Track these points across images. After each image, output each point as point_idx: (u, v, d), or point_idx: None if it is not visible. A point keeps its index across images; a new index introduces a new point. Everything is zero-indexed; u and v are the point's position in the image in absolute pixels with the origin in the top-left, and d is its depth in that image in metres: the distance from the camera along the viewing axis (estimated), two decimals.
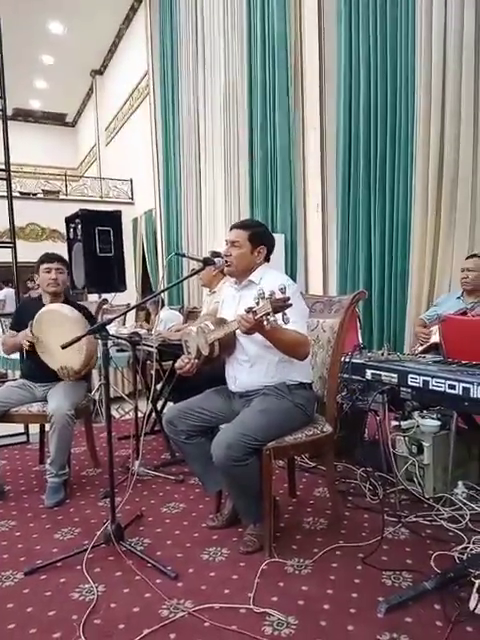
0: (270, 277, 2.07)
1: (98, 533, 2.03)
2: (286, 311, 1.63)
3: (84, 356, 2.49)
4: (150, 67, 8.87)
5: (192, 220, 7.58)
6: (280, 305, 1.62)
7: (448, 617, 1.52)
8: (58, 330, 2.47)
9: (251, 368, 2.05)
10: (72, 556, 1.93)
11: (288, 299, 1.63)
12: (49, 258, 2.75)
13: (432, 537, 2.03)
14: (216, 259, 2.20)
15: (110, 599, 1.70)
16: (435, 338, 2.85)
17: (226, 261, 2.10)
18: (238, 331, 1.88)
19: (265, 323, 1.64)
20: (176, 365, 2.15)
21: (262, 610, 1.60)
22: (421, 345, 3.01)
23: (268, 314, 1.62)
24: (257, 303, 1.67)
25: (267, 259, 2.15)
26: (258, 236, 2.11)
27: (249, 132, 5.79)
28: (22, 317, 2.73)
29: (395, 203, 4.07)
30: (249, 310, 1.71)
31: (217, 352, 2.00)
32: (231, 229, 2.15)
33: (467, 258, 3.05)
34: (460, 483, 2.30)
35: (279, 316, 1.63)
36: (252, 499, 1.96)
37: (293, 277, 4.92)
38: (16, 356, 3.54)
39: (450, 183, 3.53)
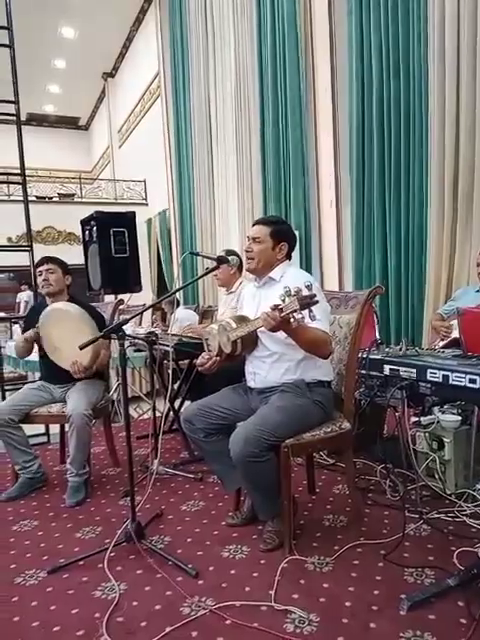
0: (291, 274, 2.06)
1: (119, 532, 2.05)
2: (312, 308, 1.62)
3: (91, 352, 2.53)
4: (161, 68, 8.90)
5: (206, 219, 7.58)
6: (307, 302, 1.60)
7: (472, 614, 1.50)
8: (62, 327, 2.56)
9: (272, 365, 2.04)
10: (94, 555, 1.95)
11: (314, 296, 1.62)
12: (40, 261, 2.83)
13: (454, 533, 2.00)
14: (230, 257, 2.20)
15: (132, 597, 1.71)
16: (456, 333, 2.81)
17: (247, 258, 2.09)
18: (260, 328, 1.88)
19: (291, 320, 1.63)
20: (197, 362, 2.15)
21: (283, 607, 1.59)
22: (442, 340, 2.96)
23: (295, 311, 1.61)
24: (283, 300, 1.66)
25: (288, 256, 2.14)
26: (280, 233, 2.10)
27: (261, 129, 5.78)
28: (31, 320, 2.79)
29: (411, 197, 4.02)
30: (275, 307, 1.70)
31: (239, 350, 2.00)
32: (253, 225, 2.14)
33: None
34: None
35: (305, 313, 1.61)
36: (269, 495, 1.95)
37: (308, 273, 4.89)
38: (35, 358, 3.60)
39: (466, 176, 3.47)
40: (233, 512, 2.25)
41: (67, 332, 2.52)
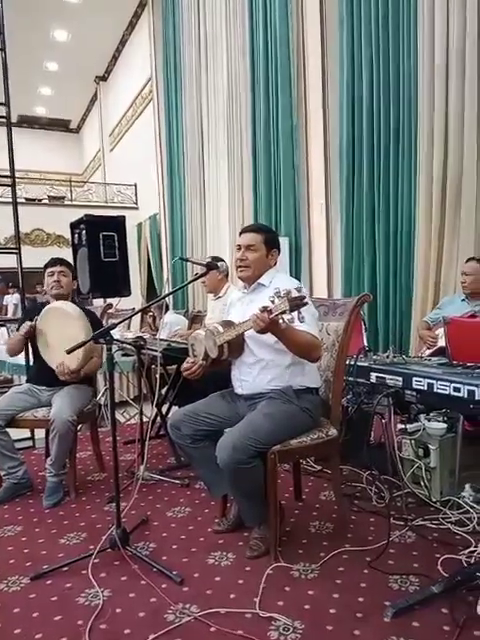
0: (280, 280, 2.07)
1: (104, 538, 2.03)
2: (301, 310, 1.63)
3: (81, 357, 2.54)
4: (153, 73, 8.92)
5: (196, 224, 7.60)
6: (297, 303, 1.61)
7: (456, 621, 1.50)
8: (60, 326, 2.57)
9: (259, 372, 2.04)
10: (78, 561, 1.93)
11: (304, 297, 1.63)
12: (52, 262, 2.82)
13: (439, 540, 2.01)
14: (219, 263, 2.20)
15: (116, 604, 1.70)
16: (442, 342, 2.84)
17: (240, 266, 2.10)
18: (248, 333, 1.88)
19: (280, 322, 1.64)
20: (182, 367, 2.15)
21: (268, 615, 1.59)
22: (428, 348, 2.99)
23: (284, 312, 1.62)
24: (273, 301, 1.67)
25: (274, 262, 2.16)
26: (272, 240, 2.13)
27: (252, 136, 5.82)
28: (28, 320, 2.76)
29: (399, 205, 4.06)
30: (265, 309, 1.70)
31: (226, 355, 2.00)
32: (243, 233, 2.14)
33: (466, 261, 3.03)
34: (467, 486, 2.28)
35: (295, 315, 1.62)
36: (255, 501, 1.95)
37: (297, 280, 4.91)
38: (22, 361, 3.57)
39: (454, 185, 3.52)
40: (219, 519, 2.24)
41: (63, 332, 2.52)
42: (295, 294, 1.63)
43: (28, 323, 2.69)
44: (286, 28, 5.10)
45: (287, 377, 2.01)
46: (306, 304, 1.64)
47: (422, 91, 3.66)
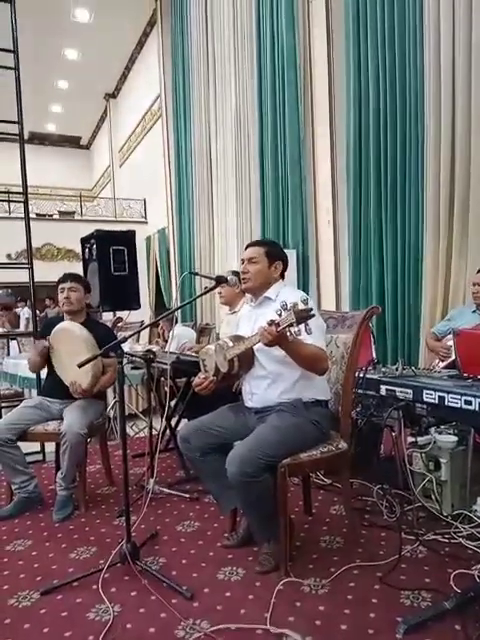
0: (286, 293, 2.09)
1: (114, 552, 2.03)
2: (308, 322, 1.64)
3: (91, 377, 2.60)
4: (162, 90, 9.06)
5: (205, 238, 7.65)
6: (303, 316, 1.62)
7: (469, 637, 1.49)
8: (69, 347, 2.63)
9: (269, 385, 2.05)
10: (88, 576, 1.93)
11: (311, 309, 1.65)
12: (63, 278, 2.85)
13: (451, 555, 1.99)
14: (229, 277, 2.23)
15: (126, 619, 1.69)
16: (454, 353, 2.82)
17: (243, 278, 2.13)
18: (257, 346, 1.89)
19: (288, 335, 1.65)
20: (194, 382, 2.16)
21: (279, 631, 1.58)
22: (442, 360, 2.96)
23: (291, 325, 1.63)
24: (279, 314, 1.68)
25: (282, 276, 2.18)
26: (274, 253, 2.16)
27: (260, 150, 5.87)
28: (44, 334, 2.82)
29: (407, 217, 4.07)
30: (272, 322, 1.72)
31: (236, 369, 2.01)
32: (246, 248, 2.19)
33: (478, 272, 3.02)
34: (479, 499, 2.26)
35: (302, 327, 1.63)
36: (266, 516, 1.94)
37: (305, 293, 4.92)
38: (33, 375, 3.60)
39: (462, 195, 3.52)
40: (229, 533, 2.23)
41: (71, 351, 2.58)
42: (302, 307, 1.64)
43: (42, 343, 2.73)
44: (293, 45, 5.17)
45: (297, 390, 2.02)
46: (313, 316, 1.65)
47: (428, 105, 3.69)
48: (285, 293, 2.09)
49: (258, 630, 1.59)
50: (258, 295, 2.16)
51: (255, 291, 2.16)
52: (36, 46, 9.60)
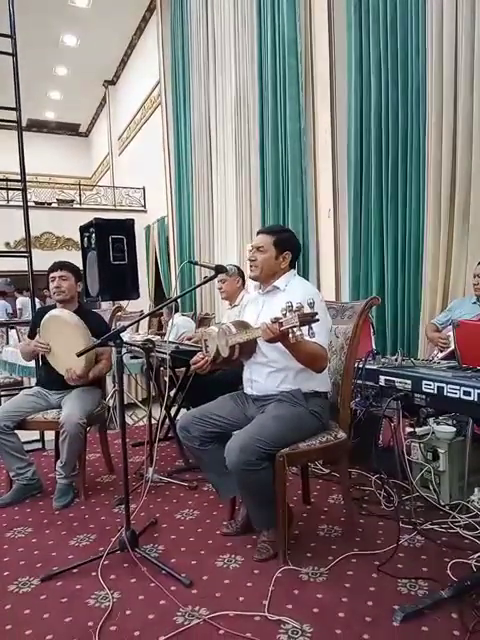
0: (296, 285, 2.08)
1: (113, 540, 2.05)
2: (312, 325, 1.63)
3: (84, 362, 2.57)
4: (162, 77, 8.96)
5: (204, 227, 7.62)
6: (307, 320, 1.61)
7: (465, 626, 1.50)
8: (60, 335, 2.61)
9: (270, 373, 2.05)
10: (88, 563, 1.94)
11: (316, 314, 1.63)
12: (53, 267, 2.83)
13: (448, 545, 2.01)
14: (228, 267, 2.22)
15: (125, 606, 1.71)
16: (453, 344, 2.82)
17: (251, 265, 2.12)
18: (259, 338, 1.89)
19: (290, 336, 1.65)
20: (192, 359, 2.17)
21: (277, 618, 1.59)
22: (441, 351, 2.97)
23: (294, 327, 1.62)
24: (284, 315, 1.67)
25: (292, 265, 2.16)
26: (284, 242, 2.11)
27: (260, 140, 5.82)
28: (36, 325, 2.79)
29: (408, 208, 4.05)
30: (275, 320, 1.71)
31: (236, 355, 2.01)
32: (257, 234, 2.17)
33: (479, 263, 3.02)
34: (476, 490, 2.28)
35: (305, 329, 1.62)
36: (265, 505, 1.96)
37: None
38: (32, 364, 3.60)
39: (463, 186, 3.50)
40: (228, 521, 2.25)
41: (63, 339, 2.56)
42: (307, 310, 1.62)
43: (32, 342, 2.71)
44: (294, 33, 5.10)
45: (297, 381, 2.02)
46: (317, 320, 1.63)
47: (430, 97, 3.65)
48: (294, 285, 2.08)
49: (256, 617, 1.61)
50: (266, 284, 2.14)
51: (262, 280, 2.15)
52: (34, 32, 9.46)
